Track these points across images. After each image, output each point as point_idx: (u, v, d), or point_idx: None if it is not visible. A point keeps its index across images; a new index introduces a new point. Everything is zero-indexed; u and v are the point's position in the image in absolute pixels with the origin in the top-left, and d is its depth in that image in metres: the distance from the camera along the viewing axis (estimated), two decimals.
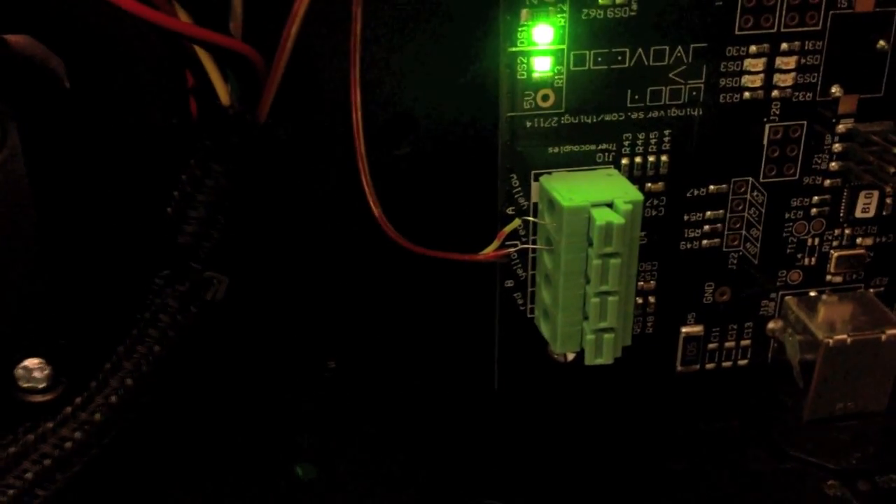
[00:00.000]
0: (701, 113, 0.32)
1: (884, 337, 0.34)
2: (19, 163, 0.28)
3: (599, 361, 0.31)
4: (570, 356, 0.34)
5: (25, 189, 0.29)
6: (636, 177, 0.33)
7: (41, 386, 0.31)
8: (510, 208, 0.32)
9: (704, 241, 0.34)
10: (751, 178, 0.34)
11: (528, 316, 0.34)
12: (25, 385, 0.31)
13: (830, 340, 0.33)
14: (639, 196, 0.30)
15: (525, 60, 0.30)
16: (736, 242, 0.35)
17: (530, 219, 0.32)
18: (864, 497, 0.32)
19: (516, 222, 0.31)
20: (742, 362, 0.37)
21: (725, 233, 0.34)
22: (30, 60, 0.30)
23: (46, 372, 0.31)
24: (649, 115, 0.32)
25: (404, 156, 0.33)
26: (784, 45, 0.32)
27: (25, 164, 0.28)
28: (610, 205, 0.30)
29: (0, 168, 0.28)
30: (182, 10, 0.28)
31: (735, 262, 0.35)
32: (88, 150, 0.31)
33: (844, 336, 0.34)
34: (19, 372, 0.30)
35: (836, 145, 0.33)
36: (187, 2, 0.28)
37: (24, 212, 0.29)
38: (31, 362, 0.31)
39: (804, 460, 0.34)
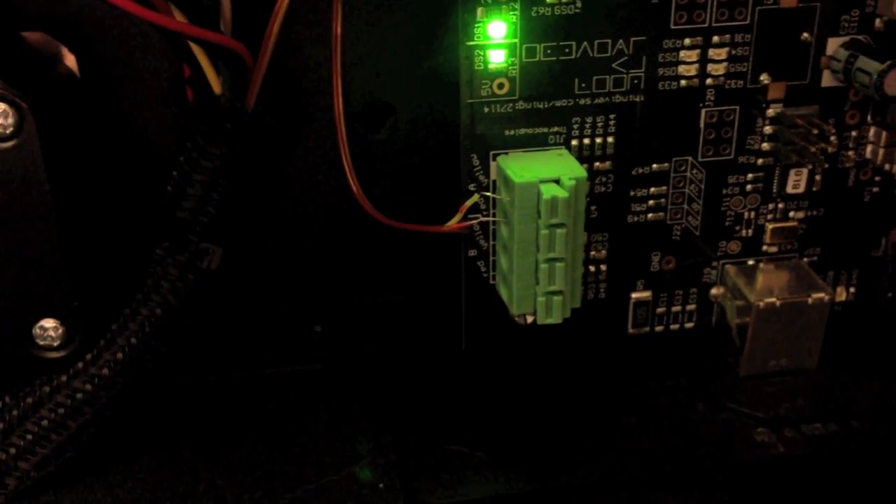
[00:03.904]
0: (642, 99, 0.36)
1: (810, 300, 0.38)
2: (36, 145, 0.31)
3: (550, 321, 0.35)
4: (530, 319, 0.38)
5: (41, 170, 0.32)
6: (585, 157, 0.36)
7: (56, 344, 0.34)
8: (471, 185, 0.36)
9: (650, 215, 0.38)
10: (690, 158, 0.37)
11: (490, 283, 0.38)
12: (42, 343, 0.34)
13: (761, 303, 0.37)
14: (583, 173, 0.33)
15: (482, 53, 0.34)
16: (679, 216, 0.38)
17: (488, 194, 0.36)
18: (788, 442, 0.36)
19: (475, 197, 0.35)
20: (688, 325, 0.41)
21: (669, 207, 0.38)
22: (45, 55, 0.34)
23: (61, 331, 0.34)
24: (595, 102, 0.36)
25: (382, 139, 0.37)
26: (716, 38, 0.35)
27: (41, 146, 0.31)
28: (557, 181, 0.33)
29: (18, 150, 0.31)
30: (178, 10, 0.32)
31: (678, 233, 0.39)
32: (97, 135, 0.35)
33: (774, 299, 0.37)
34: (37, 331, 0.34)
35: (767, 128, 0.37)
36: (182, 3, 0.32)
37: (40, 190, 0.32)
38: (48, 322, 0.34)
39: (737, 411, 0.37)
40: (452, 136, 0.36)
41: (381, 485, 0.34)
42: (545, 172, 0.34)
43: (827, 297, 0.38)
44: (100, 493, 0.34)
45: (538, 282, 0.34)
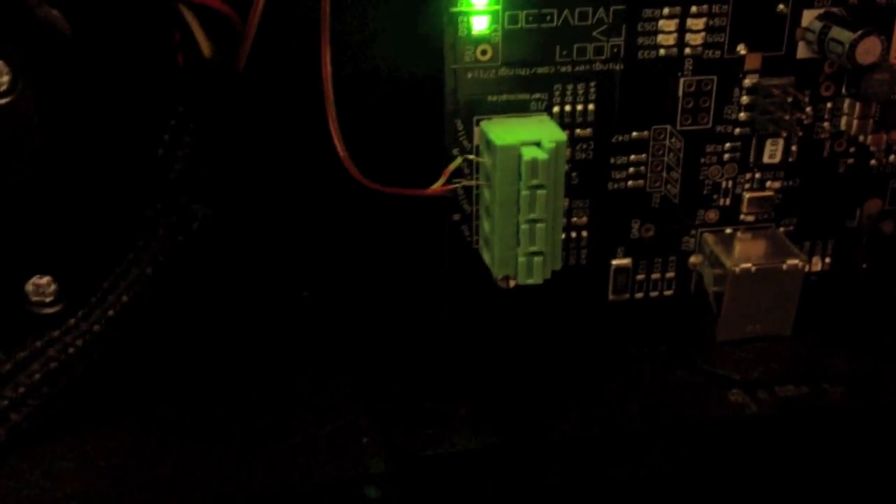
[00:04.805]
0: (622, 67, 0.37)
1: (785, 266, 0.39)
2: (30, 104, 0.32)
3: (531, 281, 0.36)
4: (513, 283, 0.39)
5: (35, 129, 0.33)
6: (566, 123, 0.37)
7: (48, 300, 0.34)
8: (455, 150, 0.37)
9: (629, 182, 0.39)
10: (669, 126, 0.38)
11: (474, 247, 0.39)
12: (35, 299, 0.34)
13: (737, 269, 0.38)
14: (563, 137, 0.34)
15: (465, 19, 0.35)
16: (658, 184, 0.39)
17: (471, 157, 0.36)
18: (762, 403, 0.37)
19: (458, 160, 0.36)
20: (668, 292, 0.42)
21: (648, 175, 0.39)
22: (38, 15, 0.35)
23: (53, 288, 0.34)
24: (576, 69, 0.36)
25: (367, 104, 0.38)
26: (693, 8, 0.36)
27: (35, 105, 0.32)
28: (538, 144, 0.34)
29: (12, 108, 0.32)
30: None
31: (658, 201, 0.40)
32: (89, 96, 0.35)
33: (750, 265, 0.38)
34: (30, 288, 0.34)
35: (744, 97, 0.38)
36: None
37: (34, 147, 0.33)
38: (41, 279, 0.34)
39: (712, 373, 0.38)
40: (437, 100, 0.36)
41: (365, 439, 0.35)
42: (526, 136, 0.34)
43: (801, 264, 0.39)
44: (91, 444, 0.35)
45: (519, 243, 0.35)
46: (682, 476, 0.37)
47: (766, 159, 0.39)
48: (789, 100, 0.37)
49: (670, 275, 0.41)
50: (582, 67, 0.36)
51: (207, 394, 0.37)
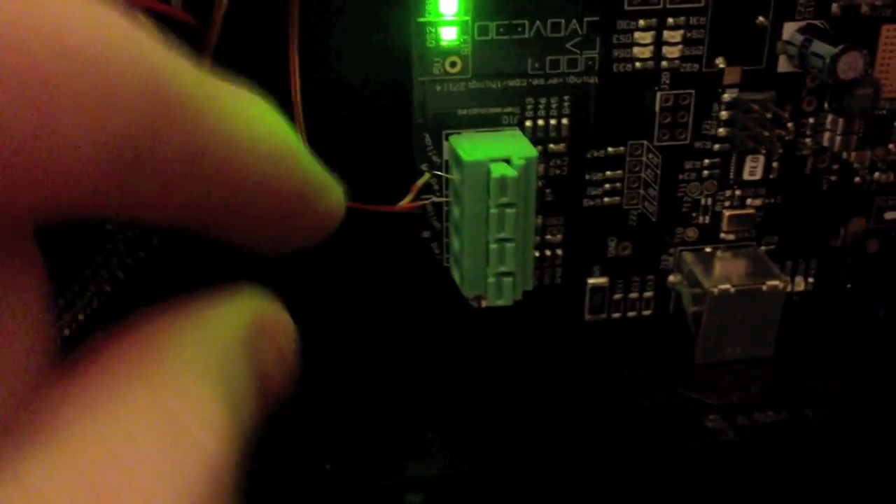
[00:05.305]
0: (597, 81, 0.36)
1: (765, 287, 0.37)
2: None
3: (500, 302, 0.35)
4: (484, 303, 0.38)
5: None
6: (539, 138, 0.36)
7: None
8: (424, 165, 0.36)
9: (606, 199, 0.38)
10: (645, 142, 0.37)
11: (444, 265, 0.37)
12: None
13: (716, 290, 0.37)
14: (533, 153, 0.33)
15: (433, 30, 0.34)
16: (635, 201, 0.38)
17: (440, 173, 0.35)
18: (740, 429, 0.35)
19: (426, 176, 0.35)
20: (646, 312, 0.40)
21: (625, 191, 0.38)
22: None
23: None
24: (549, 82, 0.35)
25: (336, 117, 0.37)
26: (670, 20, 0.35)
27: None
28: (507, 160, 0.33)
29: None
30: None
31: (635, 219, 0.38)
32: None
33: (729, 286, 0.37)
34: None
35: (723, 113, 0.37)
36: None
37: None
38: None
39: (689, 397, 0.37)
40: (405, 114, 0.35)
41: (328, 466, 0.34)
42: (496, 152, 0.33)
43: (782, 285, 0.37)
44: None
45: (489, 262, 0.34)
46: None
47: (746, 176, 0.38)
48: (769, 116, 0.36)
49: (648, 294, 0.40)
50: (555, 80, 0.35)
51: None
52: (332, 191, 0.18)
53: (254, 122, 0.15)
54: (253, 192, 0.15)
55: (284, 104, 0.34)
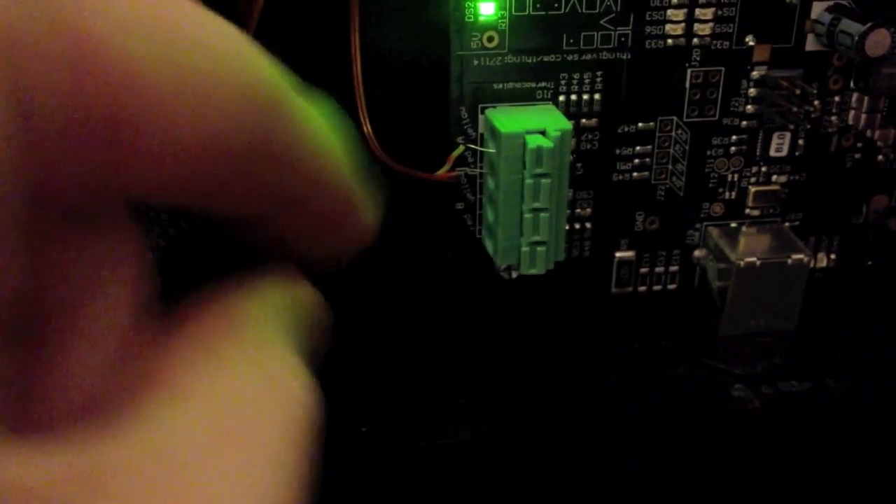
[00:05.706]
0: (629, 57, 0.36)
1: (789, 261, 0.38)
2: None
3: (533, 271, 0.36)
4: (515, 274, 0.39)
5: None
6: (572, 113, 0.37)
7: None
8: (460, 137, 0.36)
9: (635, 174, 0.39)
10: (675, 118, 0.38)
11: (477, 236, 0.38)
12: None
13: (742, 262, 0.38)
14: (568, 125, 0.34)
15: (472, 5, 0.34)
16: (663, 176, 0.39)
17: (473, 146, 0.36)
18: (764, 398, 0.36)
19: (461, 148, 0.36)
20: (671, 286, 0.41)
21: (653, 166, 0.39)
22: None
23: None
24: (583, 58, 0.36)
25: (377, 90, 0.37)
26: None
27: None
28: (543, 132, 0.34)
29: None
30: None
31: (663, 193, 0.39)
32: None
33: (754, 259, 0.38)
34: None
35: (752, 90, 0.38)
36: None
37: None
38: None
39: (715, 368, 0.38)
40: (443, 88, 0.36)
41: (364, 428, 0.35)
42: (531, 124, 0.34)
43: (807, 259, 0.38)
44: None
45: (522, 232, 0.35)
46: (683, 471, 0.37)
47: (772, 153, 0.39)
48: (797, 92, 0.36)
49: (674, 268, 0.41)
50: (589, 56, 0.36)
51: None
52: (373, 205, 0.19)
53: (325, 130, 0.17)
54: (316, 192, 0.17)
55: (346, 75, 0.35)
